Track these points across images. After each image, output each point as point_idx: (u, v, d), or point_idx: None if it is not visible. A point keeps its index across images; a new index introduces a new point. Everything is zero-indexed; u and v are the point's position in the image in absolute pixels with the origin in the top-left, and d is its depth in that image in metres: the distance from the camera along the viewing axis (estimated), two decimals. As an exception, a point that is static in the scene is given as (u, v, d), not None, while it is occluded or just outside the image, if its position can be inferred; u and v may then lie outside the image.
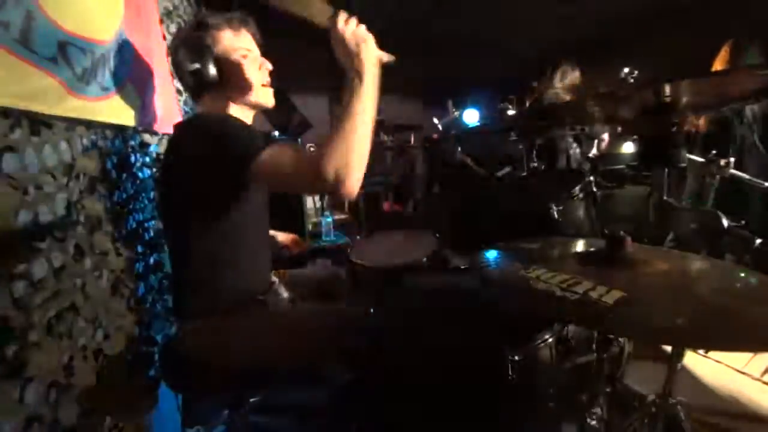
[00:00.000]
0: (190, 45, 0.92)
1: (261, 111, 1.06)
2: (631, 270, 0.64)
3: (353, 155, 0.75)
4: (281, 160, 0.79)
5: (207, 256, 0.90)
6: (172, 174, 0.90)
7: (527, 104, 2.20)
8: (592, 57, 2.33)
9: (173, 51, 0.96)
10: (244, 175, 0.79)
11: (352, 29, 0.80)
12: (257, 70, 0.99)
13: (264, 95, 1.01)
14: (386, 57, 0.84)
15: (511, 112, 2.04)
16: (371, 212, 2.87)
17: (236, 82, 0.96)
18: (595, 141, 1.90)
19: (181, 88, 1.74)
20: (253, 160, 0.78)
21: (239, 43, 0.97)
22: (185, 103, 1.79)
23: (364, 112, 0.78)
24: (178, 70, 0.96)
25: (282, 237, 1.36)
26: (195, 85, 0.94)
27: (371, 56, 0.80)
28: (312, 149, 3.22)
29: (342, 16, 0.81)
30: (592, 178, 1.28)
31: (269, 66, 1.02)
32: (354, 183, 0.76)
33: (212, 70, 0.92)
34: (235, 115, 0.96)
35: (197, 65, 0.91)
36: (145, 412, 1.07)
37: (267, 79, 1.01)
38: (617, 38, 3.02)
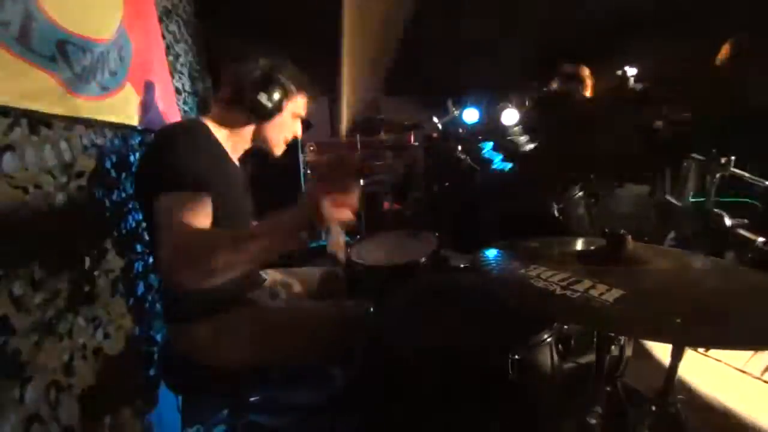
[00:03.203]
0: (275, 79, 0.95)
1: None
2: (631, 269, 0.64)
3: (218, 275, 0.65)
4: (172, 216, 0.71)
5: None
6: (149, 179, 0.88)
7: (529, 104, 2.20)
8: (592, 57, 2.32)
9: (250, 68, 0.95)
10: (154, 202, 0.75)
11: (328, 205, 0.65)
12: (291, 131, 1.07)
13: (278, 149, 1.07)
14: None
15: (510, 110, 2.02)
16: (371, 212, 2.87)
17: (272, 129, 1.02)
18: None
19: (180, 87, 1.74)
20: (159, 194, 0.75)
21: (299, 109, 1.05)
22: (184, 102, 1.79)
23: (260, 253, 0.68)
24: (239, 80, 0.95)
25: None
26: (244, 104, 0.95)
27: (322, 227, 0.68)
28: (312, 149, 3.22)
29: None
30: (592, 176, 1.28)
31: (299, 135, 1.09)
32: (192, 287, 0.66)
33: (271, 109, 0.96)
34: (234, 137, 1.01)
35: (270, 98, 0.94)
36: (145, 412, 1.07)
37: (290, 138, 1.08)
38: (617, 38, 3.02)
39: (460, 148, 2.06)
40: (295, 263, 1.37)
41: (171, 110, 1.50)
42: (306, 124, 1.14)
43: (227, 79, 1.00)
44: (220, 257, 0.65)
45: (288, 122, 1.04)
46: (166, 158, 0.81)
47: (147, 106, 1.22)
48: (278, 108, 0.97)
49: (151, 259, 1.25)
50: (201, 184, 0.78)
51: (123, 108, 1.06)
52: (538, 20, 3.01)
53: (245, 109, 0.96)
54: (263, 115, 0.97)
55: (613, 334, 0.73)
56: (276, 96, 0.96)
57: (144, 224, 1.22)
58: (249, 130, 1.01)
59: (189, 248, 0.66)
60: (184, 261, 0.65)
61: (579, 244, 0.80)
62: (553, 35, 3.05)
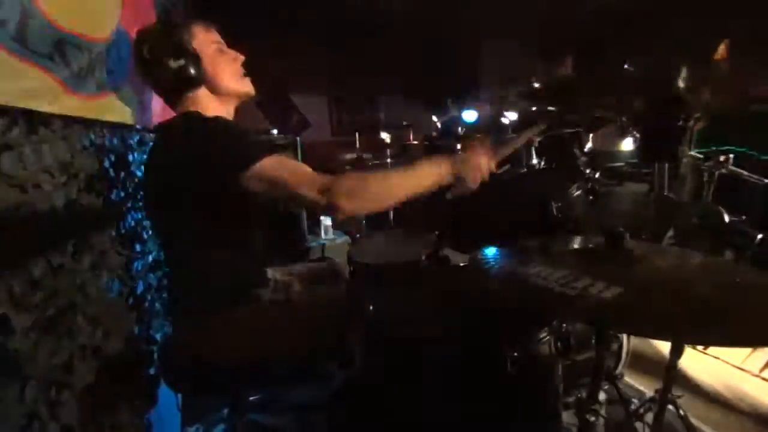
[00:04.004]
0: (168, 43, 0.87)
1: (260, 110, 1.07)
2: (630, 266, 0.64)
3: (374, 204, 0.82)
4: (280, 171, 0.79)
5: (202, 254, 0.90)
6: (164, 174, 0.88)
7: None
8: (592, 54, 2.33)
9: (143, 52, 0.88)
10: (237, 181, 0.77)
11: (487, 162, 0.91)
12: (233, 61, 0.98)
13: (244, 84, 1.00)
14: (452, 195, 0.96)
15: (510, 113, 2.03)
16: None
17: (217, 75, 0.94)
18: (591, 135, 1.89)
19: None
20: (248, 167, 0.76)
21: (212, 37, 0.96)
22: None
23: (415, 184, 0.84)
24: (153, 71, 0.89)
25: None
26: (175, 85, 0.90)
27: (467, 184, 0.90)
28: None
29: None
30: (591, 174, 1.28)
31: (241, 57, 1.00)
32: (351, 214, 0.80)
33: (196, 66, 0.89)
34: (218, 111, 0.94)
35: (181, 62, 0.87)
36: (145, 412, 1.07)
37: (243, 70, 1.00)
38: (617, 36, 3.02)
39: (460, 147, 2.06)
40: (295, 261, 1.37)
41: (169, 109, 1.50)
42: (304, 123, 1.13)
43: (148, 83, 0.96)
44: (384, 194, 0.82)
45: (220, 56, 0.95)
46: (227, 142, 0.81)
47: (145, 105, 1.22)
48: (195, 54, 0.89)
49: (150, 258, 1.25)
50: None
51: (120, 107, 1.06)
52: (539, 20, 3.01)
53: (184, 85, 0.90)
54: (196, 73, 0.89)
55: (612, 332, 0.73)
56: (180, 48, 0.88)
57: (143, 223, 1.23)
58: (207, 97, 0.95)
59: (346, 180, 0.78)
60: (343, 191, 0.76)
61: (578, 242, 0.80)
62: (553, 34, 3.05)
